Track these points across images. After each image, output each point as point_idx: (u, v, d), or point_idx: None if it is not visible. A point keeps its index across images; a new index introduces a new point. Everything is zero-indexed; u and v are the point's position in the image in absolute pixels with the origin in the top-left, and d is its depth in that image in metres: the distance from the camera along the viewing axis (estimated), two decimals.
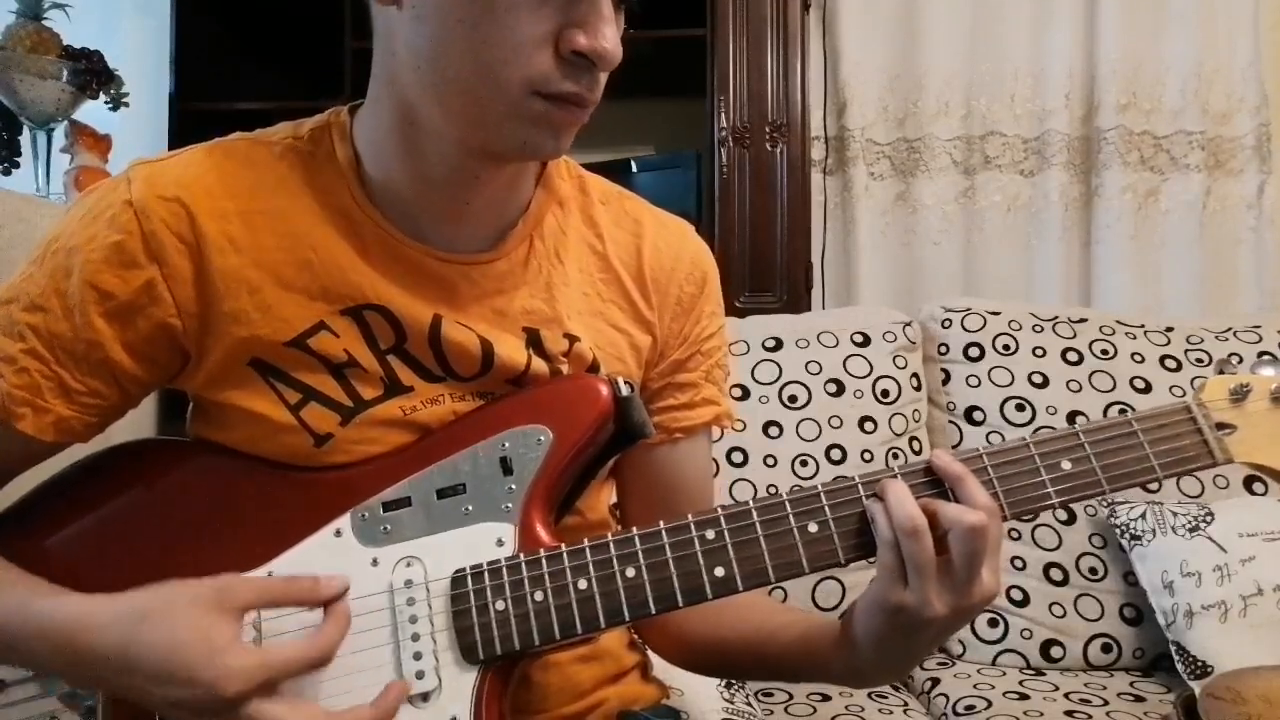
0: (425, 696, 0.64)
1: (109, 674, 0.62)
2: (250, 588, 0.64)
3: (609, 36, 0.63)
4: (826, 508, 0.67)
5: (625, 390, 0.73)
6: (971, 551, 0.63)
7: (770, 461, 1.50)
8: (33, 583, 0.68)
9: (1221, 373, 0.70)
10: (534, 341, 0.76)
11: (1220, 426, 0.68)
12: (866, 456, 1.51)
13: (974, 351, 1.61)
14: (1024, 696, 1.31)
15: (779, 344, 1.59)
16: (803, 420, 1.53)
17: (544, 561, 0.67)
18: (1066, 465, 0.67)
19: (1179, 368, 1.56)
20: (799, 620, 0.81)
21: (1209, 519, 1.35)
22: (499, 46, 0.62)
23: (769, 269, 2.24)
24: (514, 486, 0.69)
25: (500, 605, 0.66)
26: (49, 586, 0.67)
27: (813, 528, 0.67)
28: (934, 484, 0.67)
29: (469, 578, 0.67)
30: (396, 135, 0.70)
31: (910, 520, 0.64)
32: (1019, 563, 1.46)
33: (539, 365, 0.75)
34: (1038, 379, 1.56)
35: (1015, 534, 1.47)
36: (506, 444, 0.70)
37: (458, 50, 0.63)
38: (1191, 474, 0.68)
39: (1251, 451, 0.68)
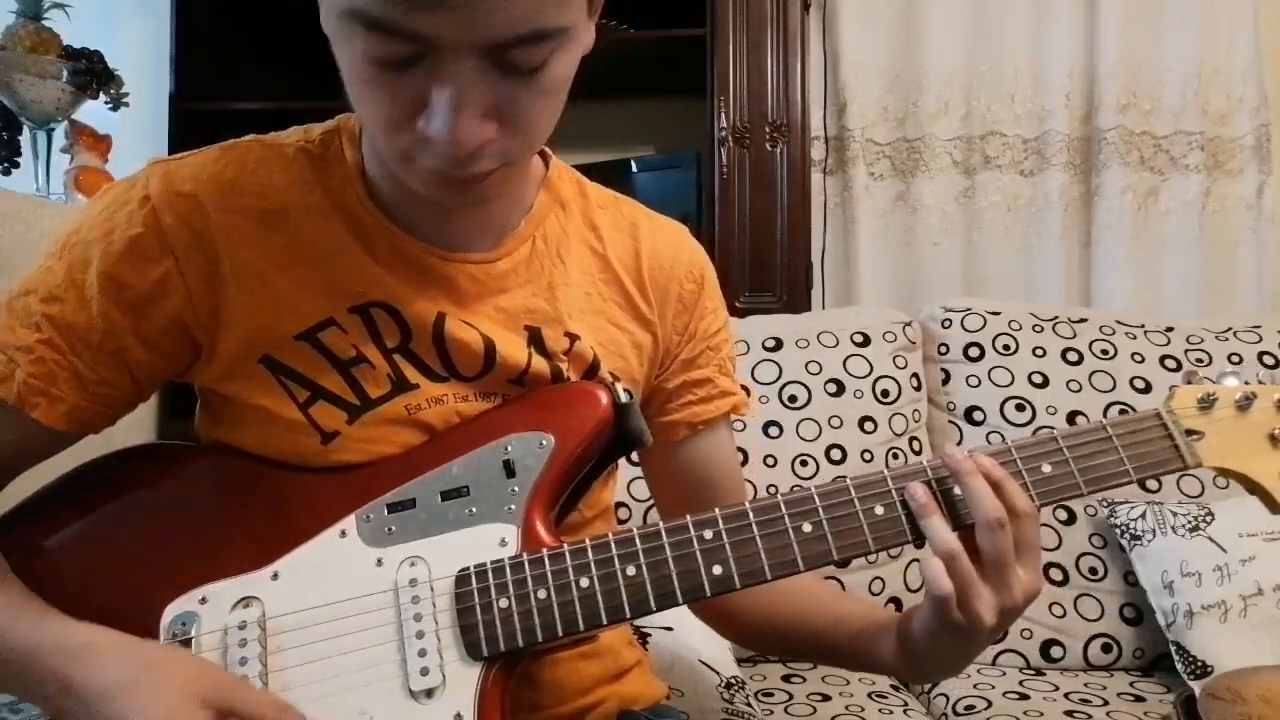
0: (429, 693, 0.65)
1: (83, 713, 0.61)
2: (246, 697, 0.63)
3: (442, 124, 0.58)
4: (820, 509, 0.69)
5: (624, 398, 0.74)
6: (995, 547, 0.66)
7: (770, 461, 1.50)
8: (37, 602, 0.68)
9: (1189, 383, 0.75)
10: (535, 340, 0.77)
11: (1189, 432, 0.72)
12: (866, 456, 1.52)
13: (974, 351, 1.61)
14: (1024, 696, 1.31)
15: (779, 344, 1.59)
16: (803, 420, 1.53)
17: (546, 560, 0.67)
18: (1046, 468, 0.70)
19: (1179, 368, 1.56)
20: (859, 616, 0.83)
21: (1209, 519, 1.36)
22: (375, 117, 0.62)
23: (769, 269, 2.24)
24: (516, 489, 0.70)
25: (504, 603, 0.66)
26: (55, 611, 0.67)
27: (807, 527, 0.68)
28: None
29: (473, 576, 0.67)
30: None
31: (945, 545, 0.67)
32: None
33: (540, 364, 0.76)
34: (1038, 379, 1.56)
35: None
36: (509, 447, 0.71)
37: (358, 106, 0.63)
38: (1162, 477, 0.72)
39: (1219, 456, 0.72)
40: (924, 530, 0.68)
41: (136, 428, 0.80)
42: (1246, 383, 0.74)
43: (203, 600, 0.68)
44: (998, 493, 0.67)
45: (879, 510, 0.69)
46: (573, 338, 0.77)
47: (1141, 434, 0.72)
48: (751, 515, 0.68)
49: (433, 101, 0.58)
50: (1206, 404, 0.73)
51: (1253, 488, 0.73)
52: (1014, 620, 0.69)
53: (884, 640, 0.77)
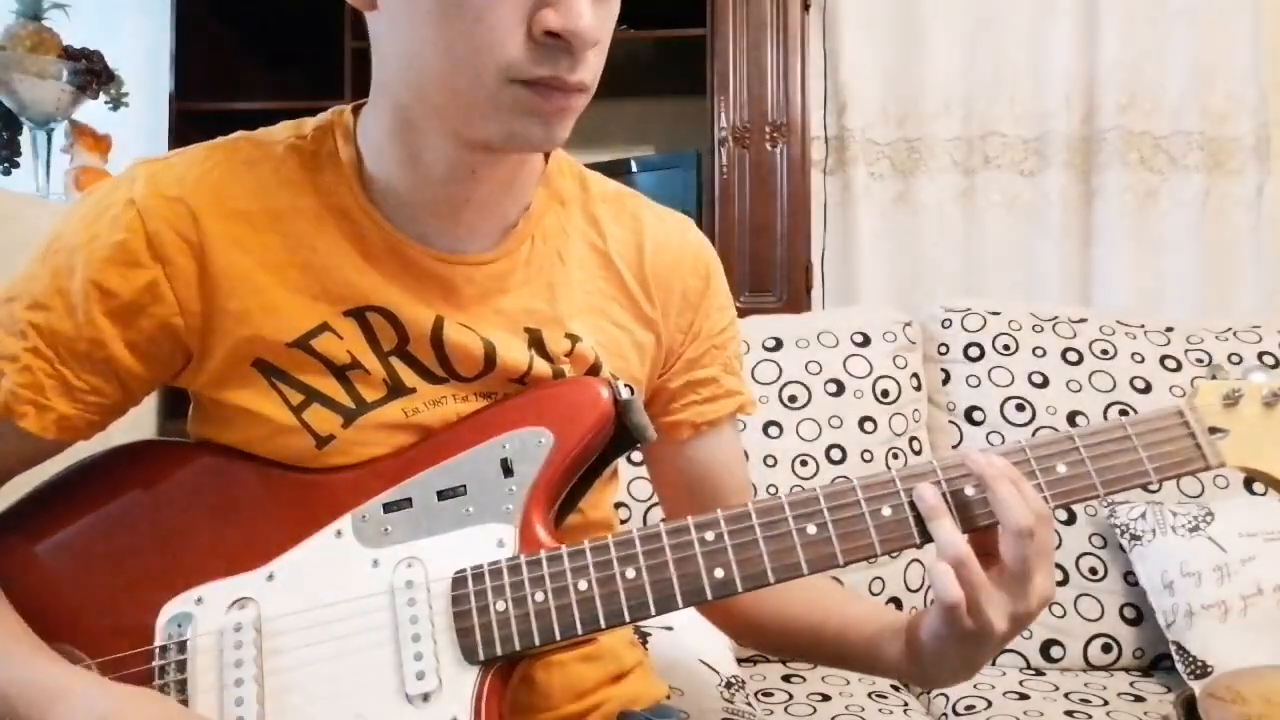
0: (425, 697, 0.64)
1: None
2: None
3: (579, 11, 0.60)
4: (825, 510, 0.67)
5: (625, 393, 0.73)
6: (1021, 556, 0.64)
7: (770, 461, 1.49)
8: (16, 633, 0.67)
9: (1214, 378, 0.71)
10: (536, 342, 0.75)
11: (1213, 430, 0.69)
12: (866, 456, 1.51)
13: (974, 351, 1.61)
14: (1024, 696, 1.31)
15: (779, 344, 1.59)
16: (803, 420, 1.53)
17: (544, 562, 0.66)
18: (1062, 469, 0.68)
19: (1179, 368, 1.56)
20: (866, 619, 0.81)
21: (1209, 519, 1.35)
22: (469, 36, 0.60)
23: (769, 269, 2.25)
24: (514, 488, 0.69)
25: (501, 606, 0.66)
26: (31, 644, 0.67)
27: (811, 530, 0.67)
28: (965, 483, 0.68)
29: (469, 578, 0.67)
30: (394, 137, 0.70)
31: (954, 549, 0.64)
32: None
33: (541, 366, 0.75)
34: (1038, 379, 1.55)
35: None
36: (507, 445, 0.70)
37: (431, 46, 0.62)
38: (1185, 477, 0.69)
39: (1244, 455, 0.68)
40: (932, 534, 0.66)
41: (136, 428, 0.80)
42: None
43: (198, 601, 0.67)
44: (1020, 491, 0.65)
45: (886, 512, 0.67)
46: (574, 339, 0.76)
47: (1162, 433, 0.68)
48: (754, 517, 0.67)
49: None
50: (1231, 400, 0.69)
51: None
52: (1027, 626, 0.67)
53: (892, 645, 0.75)
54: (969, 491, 0.67)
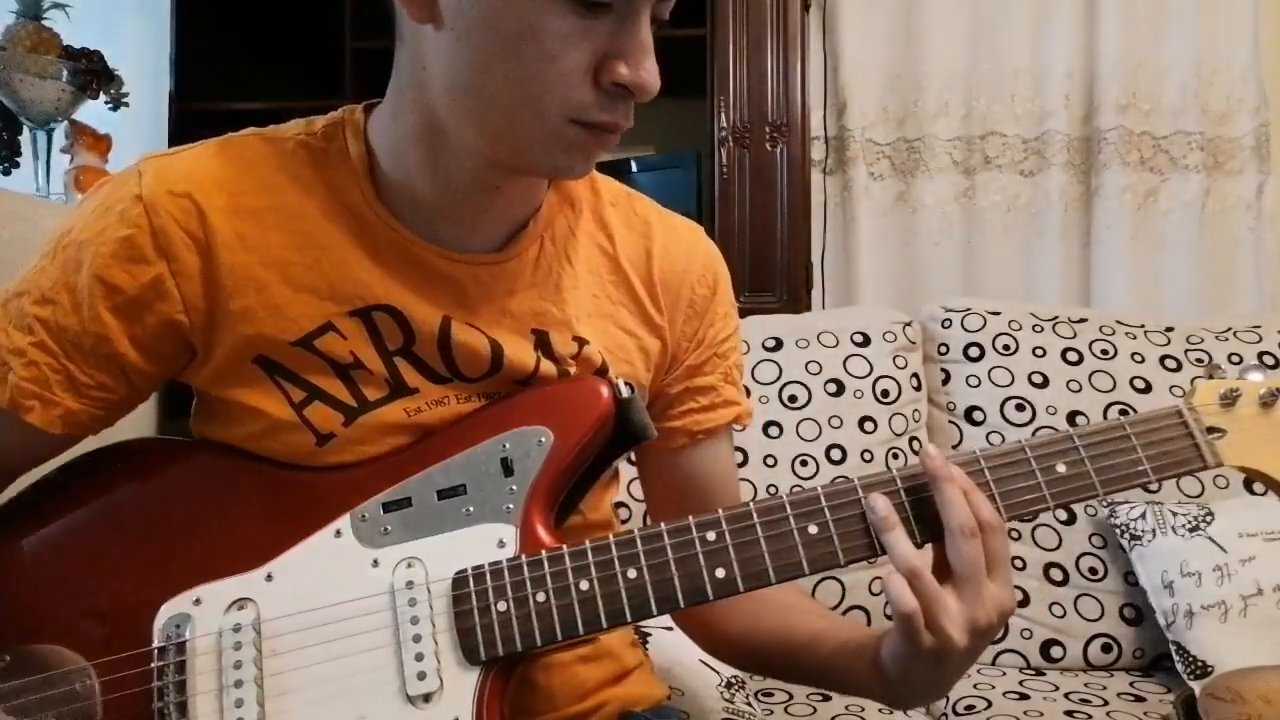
0: (427, 698, 0.64)
1: None
2: None
3: (649, 68, 0.64)
4: (826, 509, 0.67)
5: (625, 391, 0.73)
6: (968, 558, 0.64)
7: (770, 461, 1.50)
8: None
9: (1211, 377, 0.71)
10: (542, 344, 0.75)
11: (1211, 430, 0.69)
12: (866, 456, 1.51)
13: (974, 351, 1.61)
14: (1024, 696, 1.31)
15: (779, 344, 1.59)
16: (803, 420, 1.53)
17: (545, 562, 0.66)
18: (1061, 468, 0.68)
19: (1179, 368, 1.56)
20: (836, 633, 0.79)
21: (1209, 519, 1.35)
22: (541, 76, 0.62)
23: (769, 269, 2.25)
24: (515, 487, 0.69)
25: (502, 606, 0.65)
26: None
27: (813, 529, 0.67)
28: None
29: (470, 578, 0.66)
30: (420, 144, 0.70)
31: (906, 561, 0.64)
32: (1019, 563, 1.46)
33: (547, 367, 0.75)
34: (1038, 379, 1.55)
35: (1015, 534, 1.47)
36: (507, 445, 0.70)
37: (498, 77, 0.63)
38: (1183, 477, 0.69)
39: (1241, 455, 0.69)
40: (884, 546, 0.65)
41: (136, 427, 0.80)
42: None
43: (197, 601, 0.67)
44: (969, 499, 0.65)
45: None
46: (581, 341, 0.76)
47: (1161, 432, 0.69)
48: (755, 516, 0.67)
49: (635, 49, 0.63)
50: (1229, 400, 0.69)
51: (1277, 488, 0.70)
52: (989, 640, 0.66)
53: (858, 663, 0.74)
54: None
